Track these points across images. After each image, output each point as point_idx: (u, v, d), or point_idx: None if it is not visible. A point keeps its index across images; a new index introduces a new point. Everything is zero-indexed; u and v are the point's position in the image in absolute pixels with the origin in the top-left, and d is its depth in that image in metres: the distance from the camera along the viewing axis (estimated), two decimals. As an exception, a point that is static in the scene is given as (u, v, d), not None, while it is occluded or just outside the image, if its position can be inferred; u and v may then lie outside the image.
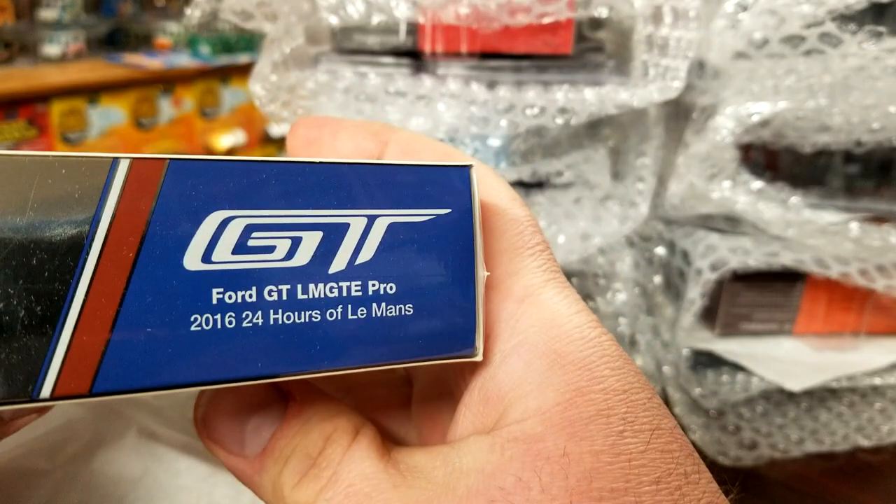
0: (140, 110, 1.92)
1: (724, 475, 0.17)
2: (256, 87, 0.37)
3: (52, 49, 1.98)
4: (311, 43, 0.38)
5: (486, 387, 0.17)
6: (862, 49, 0.35)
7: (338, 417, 0.17)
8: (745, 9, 0.36)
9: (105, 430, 0.24)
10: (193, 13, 0.37)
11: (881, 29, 0.35)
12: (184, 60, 2.03)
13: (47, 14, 1.97)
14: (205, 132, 2.09)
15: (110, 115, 1.87)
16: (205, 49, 2.04)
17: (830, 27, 0.35)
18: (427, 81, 0.36)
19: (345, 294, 0.15)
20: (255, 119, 2.16)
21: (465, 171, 0.17)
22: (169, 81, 1.96)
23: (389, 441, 0.21)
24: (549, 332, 0.17)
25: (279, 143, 2.26)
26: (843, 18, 0.35)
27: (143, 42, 2.20)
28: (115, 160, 0.14)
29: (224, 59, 2.05)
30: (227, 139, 2.12)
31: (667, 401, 0.42)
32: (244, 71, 1.94)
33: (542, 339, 0.17)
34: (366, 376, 0.22)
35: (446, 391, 0.20)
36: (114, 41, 2.15)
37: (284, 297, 0.15)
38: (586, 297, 0.42)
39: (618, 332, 0.41)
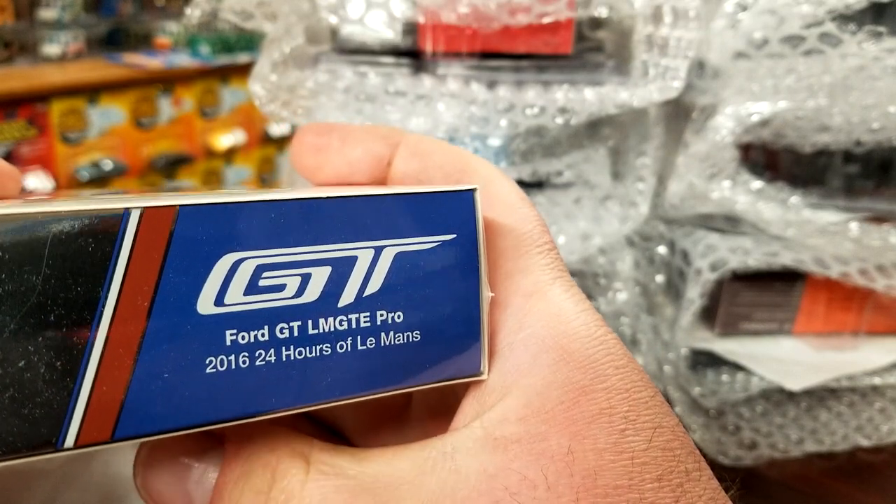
0: (140, 110, 1.92)
1: (724, 475, 0.17)
2: (256, 86, 0.37)
3: (51, 49, 1.98)
4: (311, 43, 0.38)
5: (493, 378, 0.17)
6: (862, 49, 0.35)
7: (280, 448, 0.17)
8: (745, 9, 0.36)
9: (105, 430, 0.24)
10: (193, 13, 0.37)
11: (881, 29, 0.35)
12: (184, 60, 2.03)
13: (47, 14, 1.97)
14: (204, 132, 2.09)
15: (110, 114, 1.87)
16: (205, 49, 2.04)
17: (830, 27, 0.35)
18: (427, 81, 0.36)
19: (354, 326, 0.16)
20: (254, 119, 2.16)
21: (468, 195, 0.17)
22: (169, 81, 1.96)
23: (389, 438, 0.21)
24: (556, 328, 0.17)
25: (279, 143, 2.26)
26: (843, 18, 0.35)
27: (143, 42, 2.20)
28: (127, 211, 0.14)
29: (224, 59, 2.05)
30: (226, 139, 2.12)
31: (667, 400, 0.42)
32: (244, 71, 1.94)
33: (549, 333, 0.17)
34: None
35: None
36: (114, 41, 2.15)
37: (296, 333, 0.15)
38: (587, 297, 0.41)
39: (619, 331, 0.41)
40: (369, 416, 0.22)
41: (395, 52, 0.37)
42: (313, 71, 0.38)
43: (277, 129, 2.21)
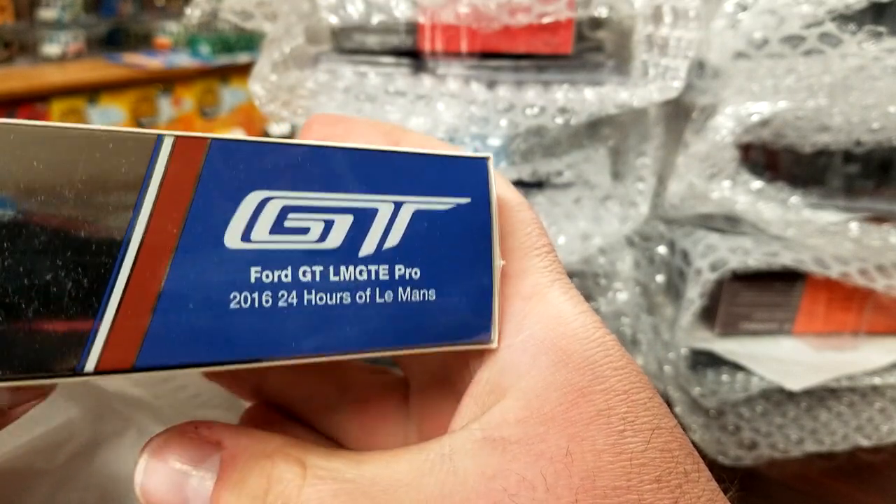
0: (140, 110, 1.93)
1: (724, 474, 0.17)
2: (256, 86, 0.37)
3: (51, 49, 1.98)
4: (311, 43, 0.39)
5: (492, 379, 0.17)
6: (862, 49, 0.35)
7: (276, 453, 0.17)
8: (745, 9, 0.36)
9: (104, 430, 0.24)
10: (193, 13, 0.37)
11: (881, 29, 0.35)
12: (184, 60, 2.03)
13: (47, 14, 1.97)
14: (204, 131, 2.08)
15: (110, 114, 1.87)
16: (204, 49, 2.04)
17: (830, 27, 0.35)
18: (427, 81, 0.36)
19: (373, 277, 0.16)
20: (254, 119, 2.16)
21: (483, 162, 0.18)
22: (169, 81, 1.96)
23: (387, 442, 0.21)
24: (555, 330, 0.17)
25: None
26: (843, 18, 0.35)
27: (143, 42, 2.20)
28: (160, 137, 0.14)
29: (224, 59, 2.05)
30: (226, 139, 2.12)
31: (667, 400, 0.42)
32: (244, 70, 1.94)
33: (548, 335, 0.17)
34: (361, 378, 0.22)
35: (447, 386, 0.20)
36: (114, 41, 2.16)
37: (318, 278, 0.15)
38: (587, 297, 0.41)
39: (619, 331, 0.41)
40: (366, 419, 0.22)
41: (395, 52, 0.37)
42: (313, 71, 0.38)
43: (277, 129, 2.21)
